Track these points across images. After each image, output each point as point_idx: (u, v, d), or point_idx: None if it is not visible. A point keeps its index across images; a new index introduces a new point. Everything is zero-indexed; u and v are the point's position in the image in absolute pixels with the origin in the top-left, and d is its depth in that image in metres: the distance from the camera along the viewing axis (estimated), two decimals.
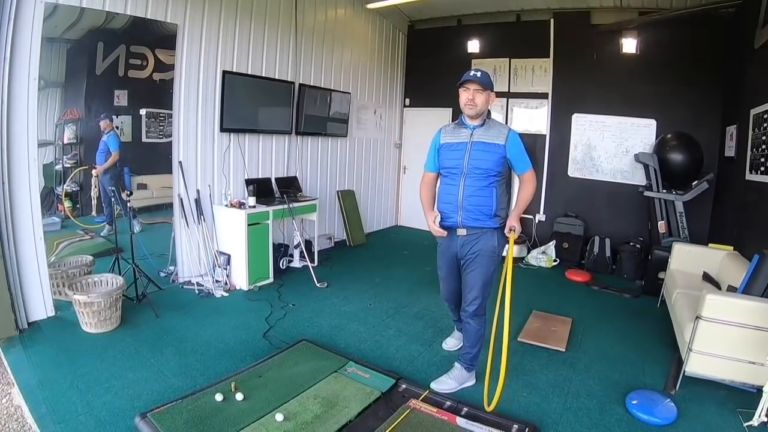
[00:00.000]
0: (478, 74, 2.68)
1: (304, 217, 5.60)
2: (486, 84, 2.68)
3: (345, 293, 4.68)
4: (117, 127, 4.21)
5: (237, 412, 2.50)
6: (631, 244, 5.76)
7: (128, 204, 4.06)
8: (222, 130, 4.85)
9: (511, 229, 2.72)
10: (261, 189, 5.03)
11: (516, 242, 2.75)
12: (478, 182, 2.73)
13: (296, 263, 5.47)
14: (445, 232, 2.82)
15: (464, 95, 2.71)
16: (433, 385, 2.92)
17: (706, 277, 4.01)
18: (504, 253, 2.80)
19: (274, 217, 4.88)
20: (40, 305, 3.58)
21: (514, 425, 2.51)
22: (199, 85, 4.59)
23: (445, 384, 2.94)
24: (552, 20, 6.49)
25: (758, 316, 2.74)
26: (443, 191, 2.88)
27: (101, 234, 4.26)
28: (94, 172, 4.13)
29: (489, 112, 2.82)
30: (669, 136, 5.56)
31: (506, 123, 7.00)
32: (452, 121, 2.88)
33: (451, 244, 2.88)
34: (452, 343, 3.54)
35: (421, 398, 2.74)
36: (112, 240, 4.14)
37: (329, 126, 6.42)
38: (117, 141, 4.19)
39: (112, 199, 4.10)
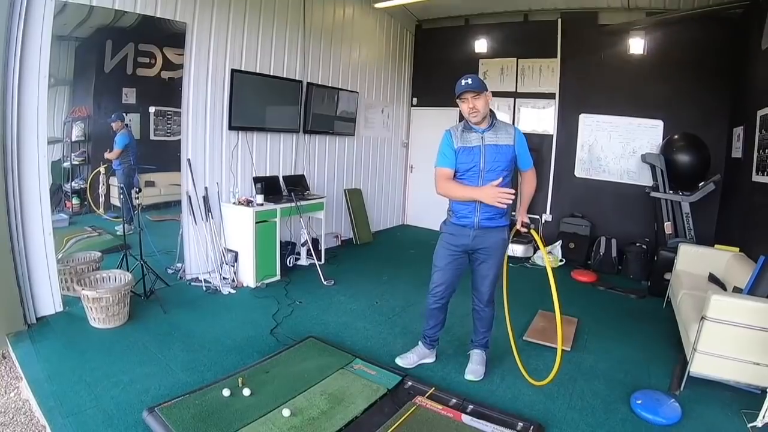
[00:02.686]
0: (470, 81, 2.73)
1: (311, 215, 5.62)
2: (480, 87, 2.73)
3: (352, 291, 4.70)
4: (127, 125, 4.24)
5: (244, 407, 2.52)
6: (637, 244, 5.76)
7: (137, 201, 4.08)
8: (230, 128, 4.88)
9: (524, 225, 2.91)
10: (269, 187, 5.06)
11: (516, 236, 2.86)
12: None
13: (303, 261, 5.50)
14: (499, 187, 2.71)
15: (464, 106, 2.77)
16: (468, 377, 3.05)
17: (712, 278, 4.01)
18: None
19: (281, 215, 4.90)
20: (48, 300, 3.62)
21: (519, 423, 2.52)
22: (207, 83, 4.62)
23: (476, 372, 3.08)
24: (559, 20, 6.47)
25: (763, 318, 2.74)
26: None
27: (115, 228, 4.28)
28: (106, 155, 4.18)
29: (493, 112, 2.88)
30: (676, 136, 5.55)
31: (513, 123, 7.01)
32: (460, 124, 2.95)
33: (461, 236, 2.92)
34: (412, 358, 3.25)
35: (426, 395, 2.75)
36: (120, 237, 4.16)
37: (337, 125, 6.44)
38: (123, 140, 4.21)
39: (123, 197, 4.11)
